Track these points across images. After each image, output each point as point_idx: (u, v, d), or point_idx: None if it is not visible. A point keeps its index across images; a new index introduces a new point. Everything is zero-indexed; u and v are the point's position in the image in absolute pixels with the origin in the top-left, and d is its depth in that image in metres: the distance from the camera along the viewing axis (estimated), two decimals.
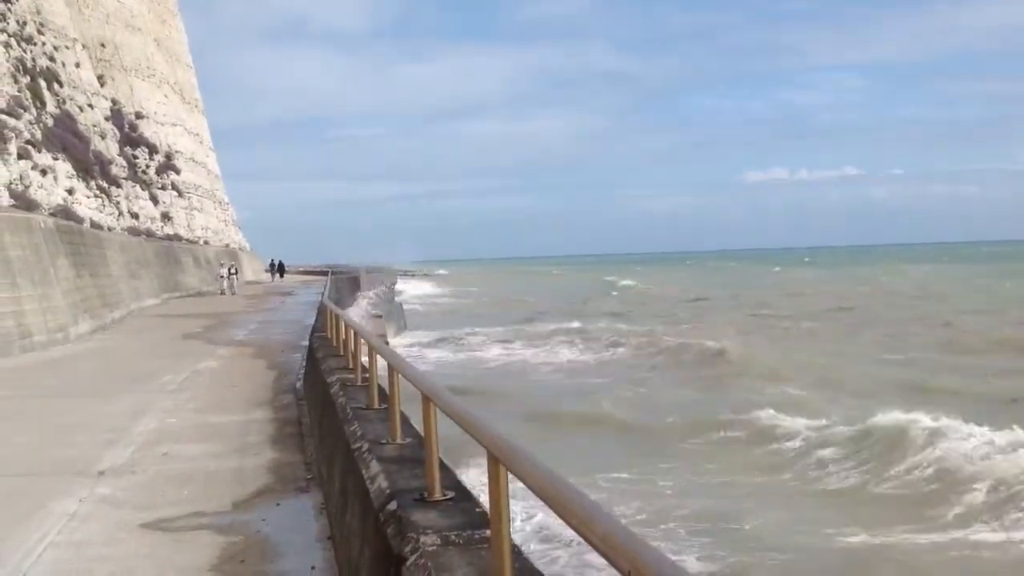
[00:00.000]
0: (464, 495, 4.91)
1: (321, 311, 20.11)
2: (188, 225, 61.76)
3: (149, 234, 47.52)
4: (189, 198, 64.06)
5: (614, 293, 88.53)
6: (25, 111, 31.51)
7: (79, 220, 31.93)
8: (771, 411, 22.04)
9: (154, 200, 54.40)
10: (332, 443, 8.26)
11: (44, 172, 30.72)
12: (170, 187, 59.88)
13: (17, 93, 31.78)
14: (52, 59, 39.67)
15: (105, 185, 41.36)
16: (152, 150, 58.76)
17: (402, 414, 6.79)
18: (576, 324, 47.50)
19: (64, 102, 39.21)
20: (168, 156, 61.76)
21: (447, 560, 3.93)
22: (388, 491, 5.12)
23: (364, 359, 9.68)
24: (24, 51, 35.69)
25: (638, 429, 22.07)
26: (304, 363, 16.55)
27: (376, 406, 8.11)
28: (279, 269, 73.89)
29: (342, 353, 12.22)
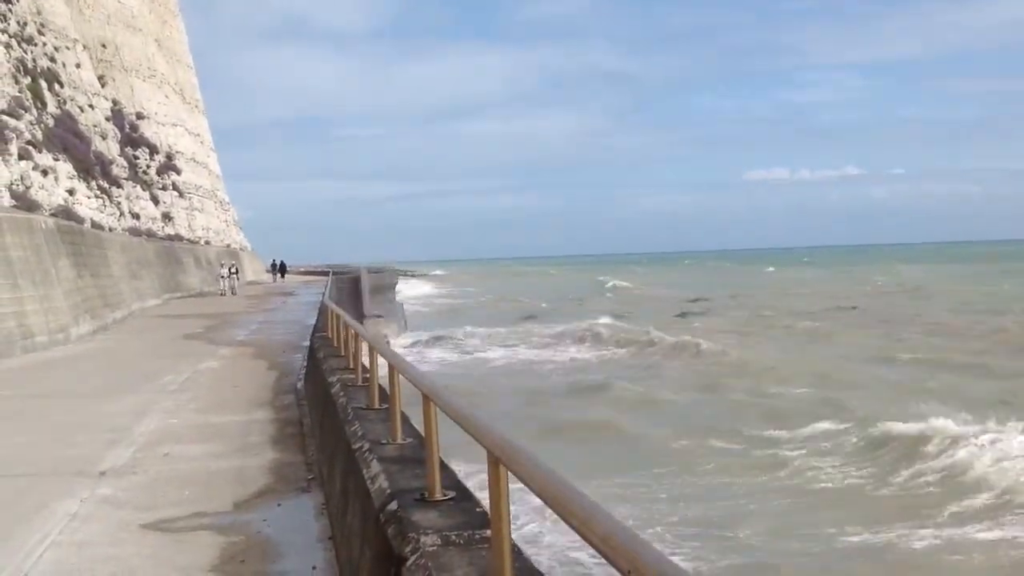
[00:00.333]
0: (464, 495, 4.92)
1: (322, 311, 20.13)
2: (189, 225, 61.78)
3: (150, 234, 47.54)
4: (190, 198, 64.09)
5: (608, 295, 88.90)
6: (26, 112, 31.53)
7: (80, 220, 31.95)
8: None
9: (155, 200, 54.42)
10: (333, 443, 8.26)
11: (45, 173, 30.74)
12: (171, 187, 59.90)
13: (18, 94, 31.80)
14: (53, 60, 39.69)
15: (106, 185, 41.38)
16: (153, 150, 58.78)
17: (403, 414, 6.80)
18: (561, 327, 47.46)
19: (65, 103, 39.23)
20: (169, 156, 61.78)
21: (447, 560, 3.93)
22: (389, 491, 5.12)
23: (365, 359, 9.69)
24: (25, 52, 35.70)
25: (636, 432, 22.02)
26: (305, 363, 16.56)
27: (377, 406, 8.12)
28: (280, 269, 73.93)
29: (343, 353, 12.23)
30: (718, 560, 12.83)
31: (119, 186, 44.94)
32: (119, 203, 43.38)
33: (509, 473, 3.27)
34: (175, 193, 60.36)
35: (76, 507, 8.00)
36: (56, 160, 32.25)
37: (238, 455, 10.16)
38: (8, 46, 33.50)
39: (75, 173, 34.31)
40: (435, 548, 4.08)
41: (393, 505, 4.83)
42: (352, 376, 10.27)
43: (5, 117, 29.21)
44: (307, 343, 18.43)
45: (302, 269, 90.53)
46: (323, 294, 32.80)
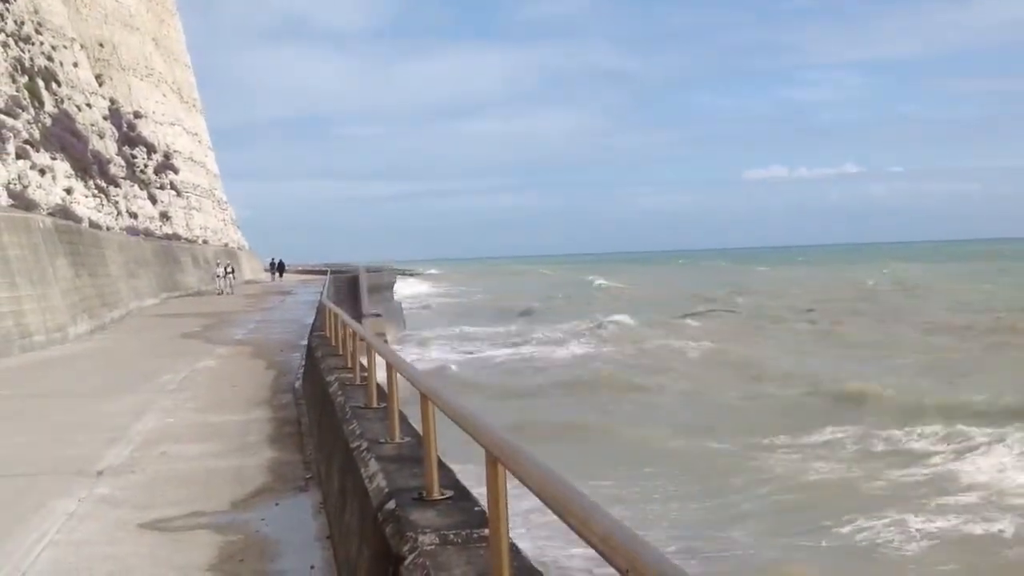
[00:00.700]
0: (462, 494, 4.91)
1: (320, 310, 20.11)
2: (187, 224, 61.75)
3: (148, 234, 47.50)
4: (188, 197, 64.05)
5: (597, 294, 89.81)
6: (23, 111, 31.49)
7: (78, 220, 31.91)
8: None
9: (153, 199, 54.36)
10: (331, 442, 8.26)
11: (42, 172, 30.71)
12: (169, 187, 59.86)
13: (15, 93, 31.76)
14: (50, 59, 39.64)
15: (104, 185, 41.34)
16: (150, 149, 58.74)
17: (400, 413, 6.79)
18: (546, 328, 48.41)
19: (62, 102, 39.18)
20: (166, 155, 61.75)
21: (445, 559, 3.93)
22: (386, 490, 5.12)
23: (363, 358, 9.69)
24: (22, 51, 35.66)
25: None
26: (303, 362, 16.55)
27: (375, 405, 8.11)
28: (279, 268, 73.87)
29: (341, 352, 12.23)
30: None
31: (117, 185, 44.90)
32: (117, 202, 43.34)
33: (507, 472, 3.26)
34: (173, 192, 60.32)
35: (74, 506, 8.00)
36: (54, 159, 32.21)
37: (236, 454, 10.15)
38: (5, 45, 33.46)
39: (73, 172, 34.27)
40: (433, 547, 4.07)
41: (391, 504, 4.83)
42: (350, 375, 10.26)
43: (2, 116, 29.17)
44: (305, 342, 18.42)
45: (300, 268, 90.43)
46: (321, 293, 32.77)
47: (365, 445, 6.45)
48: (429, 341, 44.63)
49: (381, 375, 7.97)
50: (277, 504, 8.11)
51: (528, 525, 12.10)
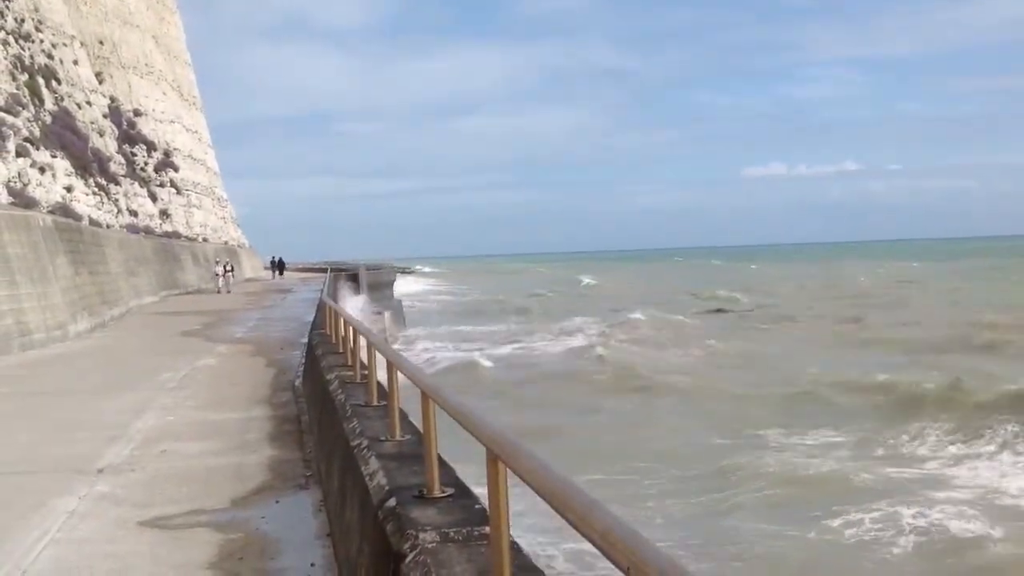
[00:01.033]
0: (463, 492, 4.91)
1: (320, 308, 20.11)
2: (187, 222, 61.74)
3: (148, 231, 47.48)
4: (188, 195, 64.03)
5: (585, 291, 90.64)
6: (23, 108, 31.48)
7: (78, 218, 31.91)
8: None
9: (153, 197, 54.34)
10: (331, 440, 8.25)
11: (42, 170, 30.70)
12: (168, 184, 59.85)
13: (15, 91, 31.74)
14: (50, 56, 39.63)
15: (104, 182, 41.33)
16: (150, 147, 58.73)
17: (401, 411, 6.79)
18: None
19: (62, 99, 39.17)
20: (166, 153, 61.72)
21: (446, 557, 3.93)
22: (387, 488, 5.12)
23: (363, 356, 9.68)
24: (22, 48, 35.64)
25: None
26: (303, 360, 16.55)
27: (375, 403, 8.11)
28: (279, 266, 73.85)
29: (341, 350, 12.22)
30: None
31: (117, 183, 44.88)
32: (117, 200, 43.33)
33: (508, 470, 3.26)
34: (173, 190, 60.30)
35: (75, 504, 8.00)
36: (54, 157, 32.20)
37: (236, 452, 10.15)
38: (5, 43, 33.44)
39: (73, 170, 34.26)
40: (434, 545, 4.07)
41: (391, 502, 4.83)
42: (350, 373, 10.25)
43: (2, 114, 29.17)
44: (305, 340, 18.41)
45: (300, 266, 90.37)
46: (321, 291, 32.75)
47: (365, 443, 6.45)
48: (416, 339, 44.78)
49: (382, 373, 7.97)
50: (277, 502, 8.10)
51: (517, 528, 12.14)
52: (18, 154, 29.02)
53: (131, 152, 54.07)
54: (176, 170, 62.40)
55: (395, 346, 26.25)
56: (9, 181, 27.70)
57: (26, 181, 28.96)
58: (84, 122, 41.51)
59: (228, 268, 50.08)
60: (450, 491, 4.87)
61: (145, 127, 59.44)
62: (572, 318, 52.57)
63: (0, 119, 28.76)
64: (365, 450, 6.26)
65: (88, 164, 38.45)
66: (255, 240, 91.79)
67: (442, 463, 5.11)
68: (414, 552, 4.04)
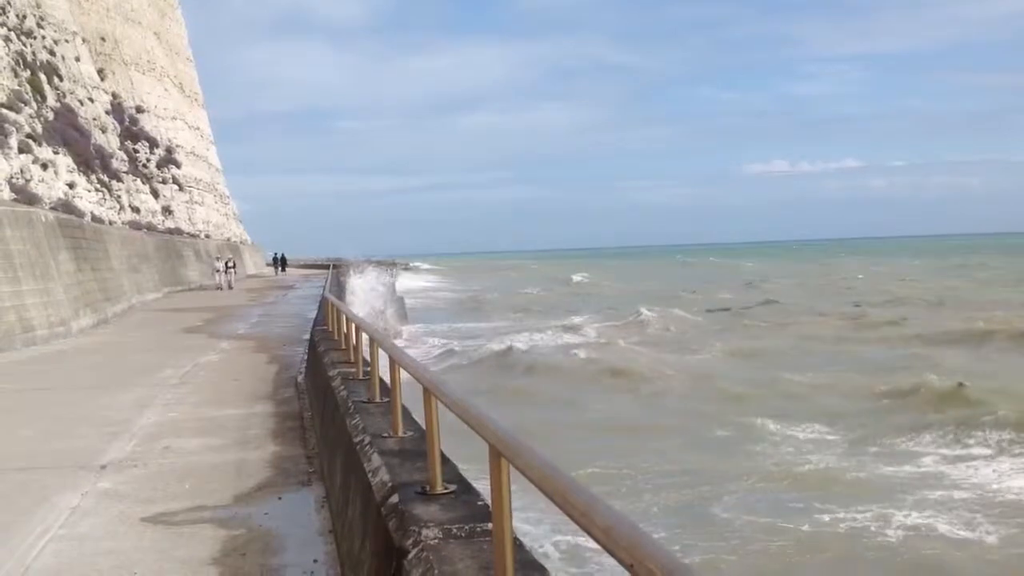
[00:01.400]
0: (466, 488, 4.91)
1: (322, 305, 20.12)
2: (189, 219, 61.78)
3: (150, 228, 47.52)
4: (190, 192, 64.07)
5: (578, 290, 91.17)
6: (25, 105, 31.49)
7: (80, 214, 31.94)
8: None
9: (155, 194, 54.39)
10: (334, 437, 8.26)
11: (45, 166, 30.73)
12: (171, 181, 59.89)
13: (17, 87, 31.76)
14: (52, 53, 39.65)
15: (106, 179, 41.37)
16: (153, 144, 58.76)
17: (403, 407, 6.79)
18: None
19: (64, 96, 39.20)
20: (168, 150, 61.76)
21: (449, 553, 3.93)
22: (390, 484, 5.12)
23: (366, 352, 9.68)
24: (24, 45, 35.65)
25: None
26: (305, 357, 16.56)
27: (378, 399, 8.11)
28: (281, 263, 73.94)
29: (343, 347, 12.22)
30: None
31: (119, 180, 44.93)
32: (119, 197, 43.37)
33: (510, 467, 3.26)
34: (175, 187, 60.36)
35: (77, 500, 8.01)
36: (56, 154, 32.22)
37: (239, 448, 10.15)
38: (7, 39, 33.44)
39: (75, 167, 34.29)
40: (436, 541, 4.07)
41: (394, 498, 4.83)
42: (353, 369, 10.25)
43: (5, 111, 29.18)
44: (307, 336, 18.42)
45: (302, 263, 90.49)
46: (323, 287, 32.78)
47: (368, 439, 6.45)
48: (422, 335, 44.88)
49: (384, 370, 7.97)
50: (280, 498, 8.11)
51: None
52: (20, 150, 29.04)
53: (133, 148, 54.11)
54: (178, 166, 62.43)
55: (398, 341, 26.33)
56: (12, 177, 27.72)
57: (28, 177, 28.98)
58: (86, 119, 41.53)
59: (230, 264, 49.67)
60: (452, 488, 4.87)
61: (147, 123, 59.47)
62: (569, 316, 52.52)
63: (2, 116, 28.77)
64: (367, 446, 6.26)
65: (90, 160, 38.48)
66: (257, 236, 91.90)
67: (444, 459, 5.11)
68: (417, 549, 4.04)
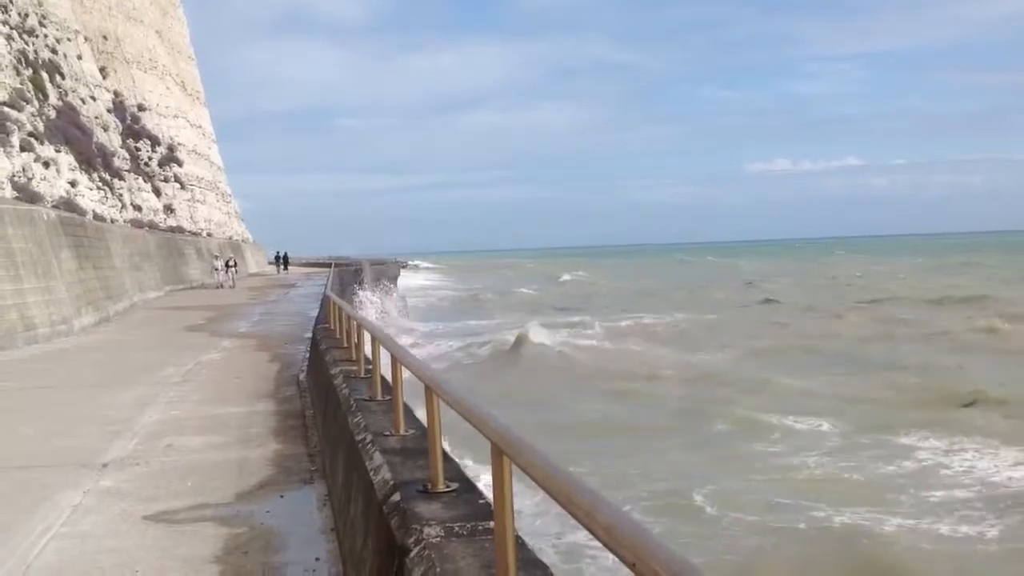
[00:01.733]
0: (468, 486, 4.91)
1: (324, 303, 20.12)
2: (191, 217, 61.80)
3: (152, 226, 47.52)
4: (192, 190, 64.08)
5: (564, 287, 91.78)
6: (27, 103, 31.51)
7: (82, 212, 31.96)
8: None
9: (157, 192, 54.40)
10: (335, 435, 8.26)
11: (47, 164, 30.74)
12: (172, 179, 59.90)
13: (19, 85, 31.77)
14: (54, 51, 39.66)
15: (108, 177, 41.38)
16: (154, 142, 58.78)
17: (405, 405, 6.79)
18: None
19: (66, 94, 39.21)
20: (170, 148, 61.77)
21: (451, 551, 3.93)
22: (391, 483, 5.12)
23: (367, 350, 9.68)
24: (26, 43, 35.66)
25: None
26: (307, 355, 16.56)
27: (379, 397, 8.11)
28: (283, 261, 73.97)
29: (345, 345, 12.23)
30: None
31: (121, 178, 44.94)
32: (121, 195, 43.38)
33: (513, 465, 3.26)
34: (177, 185, 60.36)
35: (79, 498, 8.01)
36: (58, 152, 32.24)
37: (240, 446, 10.16)
38: (9, 38, 33.46)
39: (77, 165, 34.31)
40: (438, 539, 4.07)
41: (396, 496, 4.83)
42: (354, 368, 10.26)
43: (7, 109, 29.20)
44: (309, 335, 18.42)
45: (304, 261, 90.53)
46: (325, 286, 32.77)
47: (370, 438, 6.45)
48: (428, 334, 45.03)
49: (386, 368, 7.97)
50: (282, 496, 8.11)
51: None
52: (22, 149, 29.06)
53: (135, 147, 54.12)
54: (180, 165, 62.44)
55: (407, 340, 26.42)
56: (13, 176, 27.73)
57: (30, 176, 29.00)
58: (88, 117, 41.54)
59: (232, 263, 49.47)
60: (454, 486, 4.86)
61: (149, 122, 59.48)
62: (571, 315, 52.62)
63: (4, 114, 28.79)
64: (369, 445, 6.26)
65: (92, 159, 38.49)
66: (258, 235, 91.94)
67: (446, 458, 5.11)
68: (419, 547, 4.04)
